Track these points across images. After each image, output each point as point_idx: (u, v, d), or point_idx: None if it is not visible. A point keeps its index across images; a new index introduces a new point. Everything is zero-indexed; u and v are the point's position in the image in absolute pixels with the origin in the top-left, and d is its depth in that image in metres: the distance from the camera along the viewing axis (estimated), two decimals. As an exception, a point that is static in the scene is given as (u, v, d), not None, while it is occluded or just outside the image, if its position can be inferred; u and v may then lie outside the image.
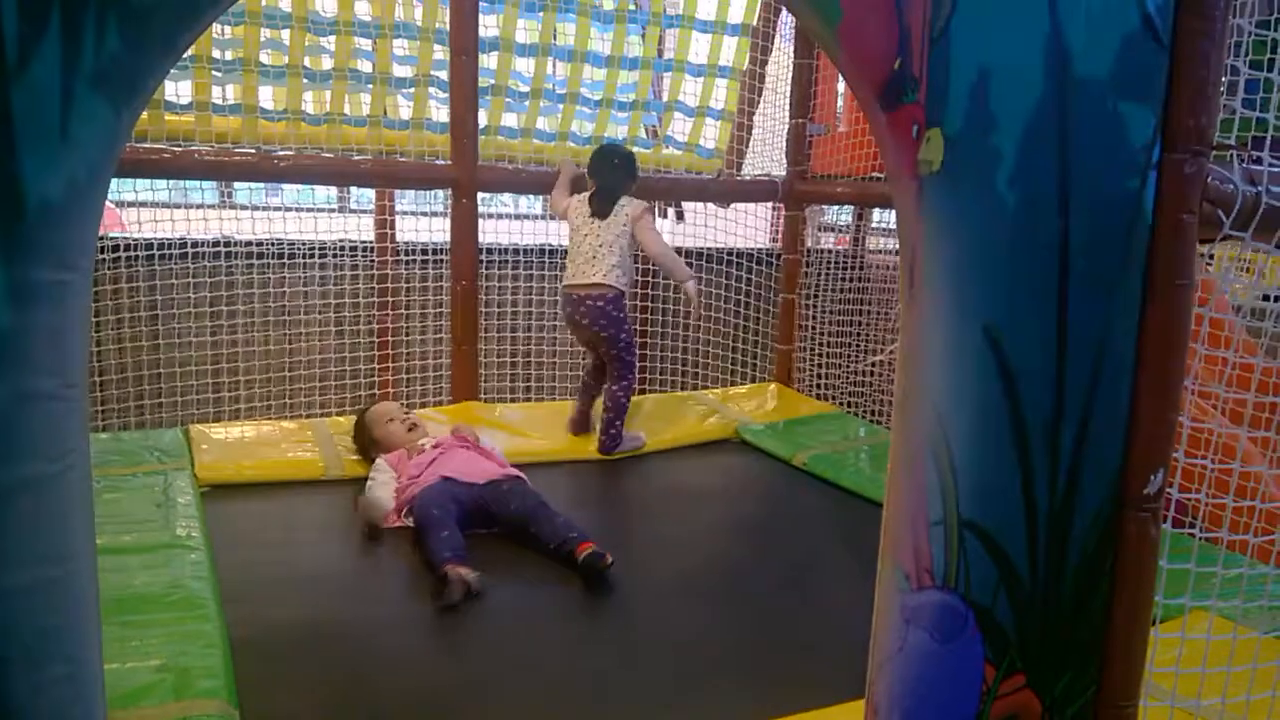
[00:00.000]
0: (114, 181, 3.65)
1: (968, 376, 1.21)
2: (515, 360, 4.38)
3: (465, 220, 3.67)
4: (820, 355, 4.50)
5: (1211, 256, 2.62)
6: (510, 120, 3.95)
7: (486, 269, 4.20)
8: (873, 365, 4.46)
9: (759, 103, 4.37)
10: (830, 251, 4.75)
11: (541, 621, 2.27)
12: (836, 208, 4.93)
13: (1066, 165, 1.16)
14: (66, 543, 0.87)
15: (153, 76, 0.89)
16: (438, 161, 3.71)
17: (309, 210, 4.32)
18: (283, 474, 3.13)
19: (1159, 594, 1.33)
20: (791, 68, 4.15)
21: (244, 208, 4.19)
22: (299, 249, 4.05)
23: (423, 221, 4.29)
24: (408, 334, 4.24)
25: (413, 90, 3.78)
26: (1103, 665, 1.31)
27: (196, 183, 3.93)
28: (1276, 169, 1.35)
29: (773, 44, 4.33)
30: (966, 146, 1.16)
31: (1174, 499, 1.58)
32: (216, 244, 3.95)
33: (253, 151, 3.53)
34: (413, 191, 4.40)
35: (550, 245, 4.47)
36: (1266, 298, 2.58)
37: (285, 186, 4.50)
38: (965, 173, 1.16)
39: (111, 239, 3.80)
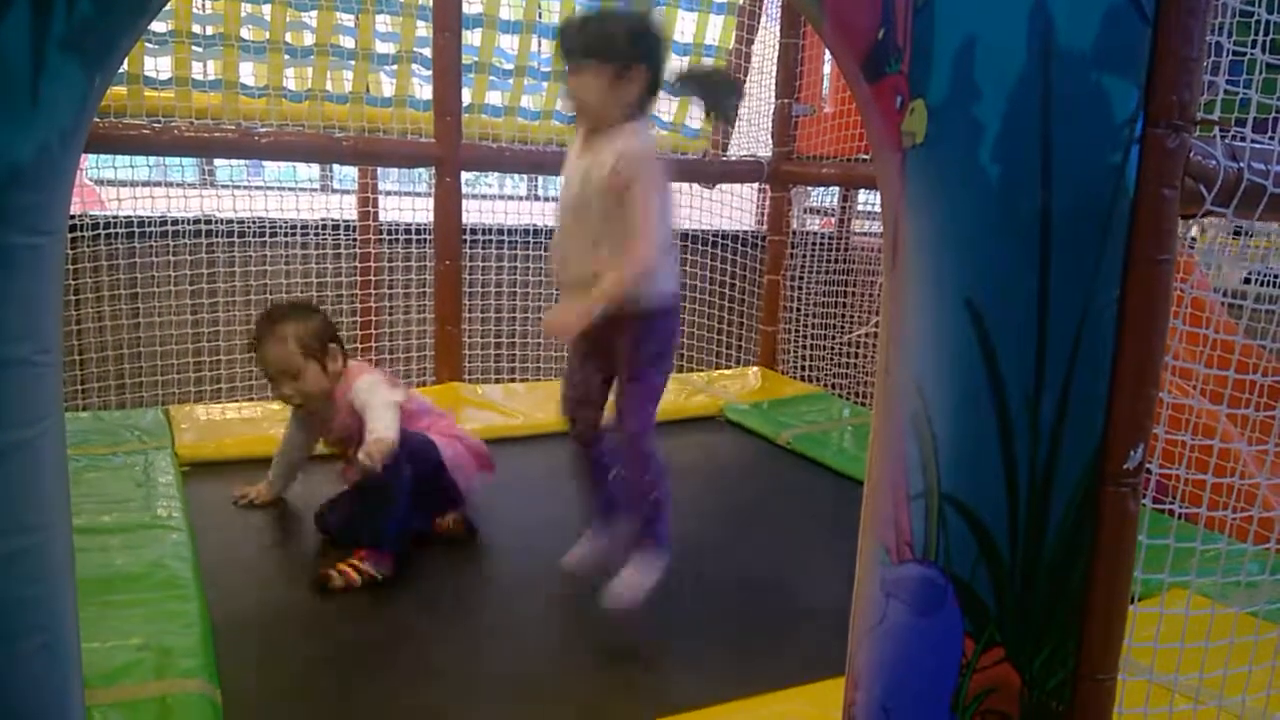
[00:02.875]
0: (93, 159, 3.62)
1: (949, 350, 1.21)
2: (499, 340, 4.37)
3: (449, 199, 3.65)
4: (805, 337, 4.51)
5: (1195, 240, 2.64)
6: (494, 98, 3.92)
7: (470, 248, 4.17)
8: (850, 341, 4.47)
9: (745, 83, 4.35)
10: (816, 234, 4.75)
11: (525, 598, 2.28)
12: (822, 190, 4.93)
13: (1049, 138, 1.15)
14: (41, 511, 0.86)
15: (125, 39, 0.87)
16: (421, 139, 3.68)
17: (291, 189, 4.29)
18: (264, 451, 3.11)
19: (1138, 570, 1.34)
20: (777, 48, 4.13)
21: (225, 186, 4.16)
22: (280, 228, 4.02)
23: (406, 201, 4.25)
24: (390, 314, 4.22)
25: (395, 67, 3.75)
26: (1081, 639, 1.31)
27: (177, 161, 3.88)
28: (1259, 146, 1.35)
29: (759, 23, 4.31)
30: (949, 118, 1.15)
31: (1153, 477, 1.59)
32: (197, 222, 3.91)
33: (233, 128, 3.49)
34: (396, 170, 4.37)
35: (535, 225, 4.46)
36: (1247, 279, 2.59)
37: (267, 165, 4.47)
38: (948, 145, 1.16)
39: (91, 217, 3.76)
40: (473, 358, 4.21)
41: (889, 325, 1.28)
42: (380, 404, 2.33)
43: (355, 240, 4.17)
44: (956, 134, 1.15)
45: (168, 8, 3.38)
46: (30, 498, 0.85)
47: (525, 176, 4.87)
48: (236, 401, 3.66)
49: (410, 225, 4.20)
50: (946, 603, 1.26)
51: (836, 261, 4.62)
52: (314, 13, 3.59)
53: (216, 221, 3.94)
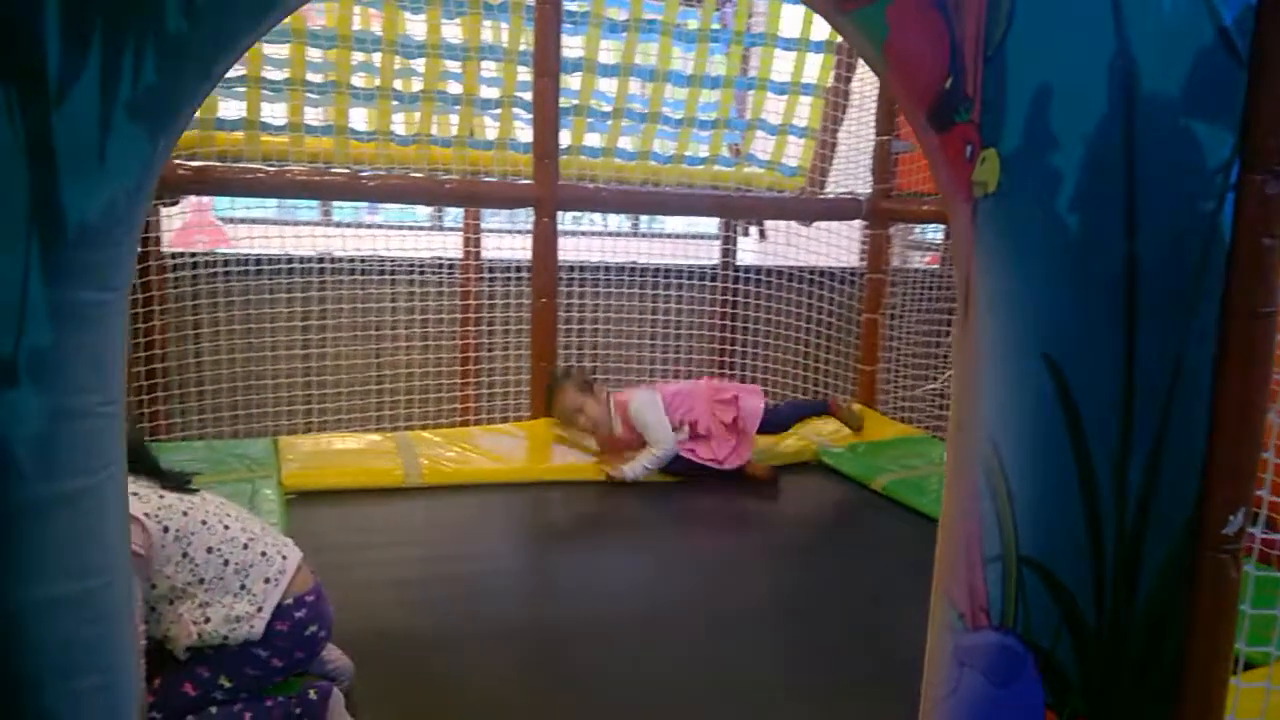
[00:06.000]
0: (220, 200, 3.85)
1: (1026, 407, 1.16)
2: (595, 378, 4.39)
3: (546, 238, 3.71)
4: (905, 377, 4.40)
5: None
6: (593, 140, 3.98)
7: (567, 285, 4.23)
8: (929, 392, 4.34)
9: (843, 120, 4.31)
10: (918, 271, 4.64)
11: (607, 634, 2.27)
12: (930, 225, 4.81)
13: (1134, 187, 1.10)
14: (103, 555, 0.90)
15: (189, 103, 0.92)
16: (520, 181, 3.76)
17: (406, 228, 4.42)
18: (364, 481, 3.21)
19: (1240, 640, 1.25)
20: (877, 84, 4.08)
21: (344, 225, 4.32)
22: (397, 266, 4.15)
23: (513, 239, 4.34)
24: (490, 349, 4.30)
25: (498, 111, 3.85)
26: (1176, 714, 1.23)
27: (301, 201, 4.07)
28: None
29: (857, 60, 4.27)
30: (1024, 167, 1.11)
31: (1257, 541, 1.48)
32: (307, 261, 4.07)
33: (344, 172, 3.64)
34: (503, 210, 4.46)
35: (635, 263, 4.49)
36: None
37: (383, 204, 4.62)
38: (1023, 194, 1.12)
39: (218, 254, 3.96)
40: (568, 394, 4.23)
41: (962, 379, 1.24)
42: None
43: (459, 277, 4.27)
44: (1032, 183, 1.11)
45: (283, 57, 3.56)
46: (93, 543, 0.89)
47: (626, 216, 4.93)
48: (341, 433, 3.78)
49: (511, 263, 4.29)
50: (1025, 672, 1.20)
51: (940, 300, 4.50)
52: (421, 60, 3.72)
53: (331, 259, 4.10)
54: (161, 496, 1.66)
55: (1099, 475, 1.17)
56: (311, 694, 1.70)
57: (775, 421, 3.60)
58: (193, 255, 3.93)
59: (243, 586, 1.67)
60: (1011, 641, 1.20)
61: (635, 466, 3.37)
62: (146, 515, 1.60)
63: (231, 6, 0.90)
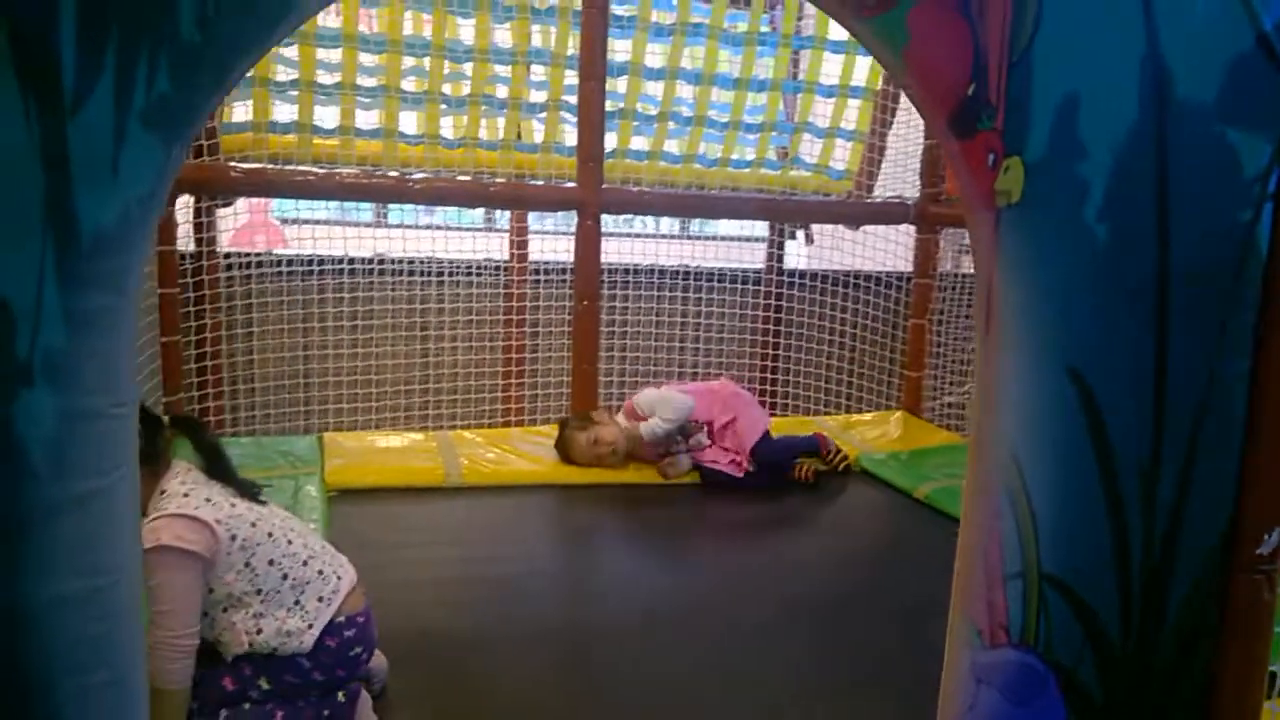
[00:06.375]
0: (276, 201, 3.93)
1: (1049, 421, 1.14)
2: (635, 380, 4.39)
3: (589, 242, 3.72)
4: (950, 383, 4.33)
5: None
6: (639, 143, 3.98)
7: (612, 289, 4.23)
8: (962, 396, 4.26)
9: (892, 123, 4.25)
10: (967, 276, 4.57)
11: (642, 637, 2.27)
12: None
13: (1165, 196, 1.07)
14: (112, 555, 0.92)
15: (204, 109, 0.94)
16: (565, 184, 3.77)
17: (456, 229, 4.47)
18: (405, 480, 3.24)
19: (1275, 663, 1.21)
20: (928, 87, 4.03)
21: (395, 226, 4.38)
22: (445, 267, 4.19)
23: (557, 242, 4.36)
24: (533, 351, 4.32)
25: (545, 115, 3.87)
26: (1207, 739, 1.20)
27: (353, 204, 4.13)
28: None
29: (908, 63, 4.21)
30: (1050, 176, 1.08)
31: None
32: (366, 261, 4.13)
33: (393, 174, 3.69)
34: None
35: (680, 267, 4.48)
36: None
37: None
38: (1048, 204, 1.09)
39: (274, 255, 4.05)
40: (608, 396, 4.25)
41: (983, 393, 1.21)
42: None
43: (505, 279, 4.31)
44: (1058, 193, 1.09)
45: (335, 61, 3.62)
46: (103, 542, 0.91)
47: (678, 219, 4.93)
48: (385, 431, 3.82)
49: (560, 265, 4.31)
50: (1047, 692, 1.18)
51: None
52: (470, 64, 3.75)
53: (381, 260, 4.16)
54: (234, 505, 1.70)
55: (1125, 491, 1.14)
56: (340, 696, 1.73)
57: (768, 448, 3.47)
58: (246, 255, 4.02)
59: (297, 602, 1.71)
60: (1031, 660, 1.17)
61: (649, 425, 3.33)
62: (217, 522, 1.64)
63: (245, 15, 0.91)
